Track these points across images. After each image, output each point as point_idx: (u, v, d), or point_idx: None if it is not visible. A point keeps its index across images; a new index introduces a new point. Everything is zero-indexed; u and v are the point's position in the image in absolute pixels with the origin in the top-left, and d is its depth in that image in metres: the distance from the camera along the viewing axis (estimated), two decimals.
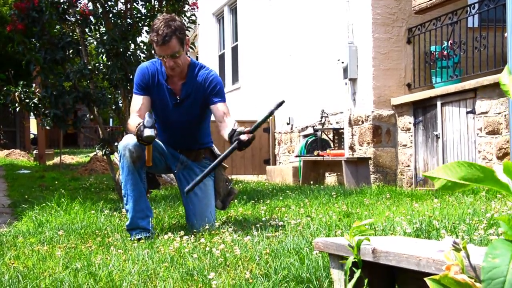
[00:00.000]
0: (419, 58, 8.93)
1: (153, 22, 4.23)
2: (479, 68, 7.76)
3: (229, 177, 4.78)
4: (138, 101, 4.31)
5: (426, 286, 1.76)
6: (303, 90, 11.54)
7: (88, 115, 7.59)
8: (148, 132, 3.92)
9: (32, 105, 6.86)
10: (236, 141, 3.97)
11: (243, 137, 3.96)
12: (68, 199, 5.86)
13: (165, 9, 6.96)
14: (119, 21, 6.88)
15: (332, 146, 10.19)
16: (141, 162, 4.16)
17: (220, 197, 4.56)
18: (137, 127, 4.01)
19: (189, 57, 4.39)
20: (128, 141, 4.13)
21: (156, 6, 7.06)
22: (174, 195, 7.14)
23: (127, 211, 4.19)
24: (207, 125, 4.54)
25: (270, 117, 4.03)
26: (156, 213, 5.20)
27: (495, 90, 7.05)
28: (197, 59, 18.54)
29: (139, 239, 3.98)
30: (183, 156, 4.47)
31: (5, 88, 6.99)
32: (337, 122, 10.23)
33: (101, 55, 6.84)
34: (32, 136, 28.78)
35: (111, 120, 30.01)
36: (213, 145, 4.65)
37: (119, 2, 7.00)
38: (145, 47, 7.06)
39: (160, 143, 4.39)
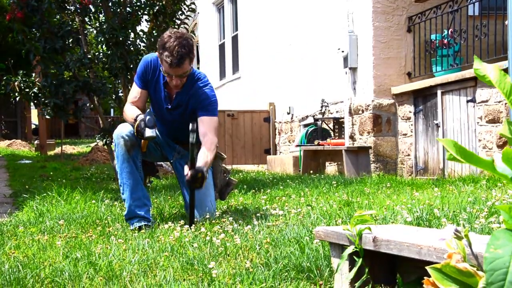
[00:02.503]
0: (420, 46, 8.90)
1: (161, 38, 4.06)
2: (480, 56, 7.73)
3: (227, 168, 4.75)
4: (136, 93, 4.29)
5: (428, 274, 1.75)
6: (303, 80, 11.51)
7: (88, 105, 7.58)
8: (149, 132, 3.94)
9: (32, 94, 6.84)
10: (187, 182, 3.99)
11: (187, 177, 3.95)
12: (69, 189, 5.85)
13: None
14: (118, 9, 6.84)
15: (332, 135, 10.17)
16: (136, 150, 4.15)
17: (217, 189, 4.55)
18: (135, 120, 4.00)
19: None
20: (123, 129, 4.12)
21: None
22: (174, 184, 7.13)
23: (124, 200, 4.17)
24: None
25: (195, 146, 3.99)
26: (156, 203, 5.20)
27: None
28: (197, 49, 18.52)
29: (139, 228, 3.97)
30: (179, 146, 4.46)
31: (5, 78, 6.98)
32: (337, 112, 10.21)
33: (101, 44, 6.82)
34: (33, 126, 28.78)
35: (112, 110, 30.00)
36: None
37: None
38: (144, 36, 7.04)
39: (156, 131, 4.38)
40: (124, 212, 4.19)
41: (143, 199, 4.16)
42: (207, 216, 4.16)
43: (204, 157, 4.04)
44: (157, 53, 4.15)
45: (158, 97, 4.28)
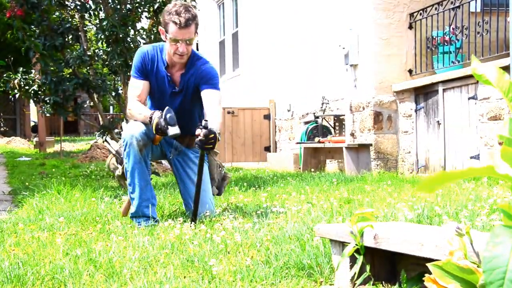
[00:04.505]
0: (421, 43, 8.88)
1: (167, 7, 4.13)
2: (482, 54, 7.71)
3: (222, 163, 4.73)
4: (137, 86, 4.27)
5: (428, 271, 1.74)
6: (303, 77, 11.50)
7: (88, 102, 7.56)
8: (173, 130, 3.95)
9: (32, 92, 6.84)
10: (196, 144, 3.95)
11: (198, 138, 3.89)
12: (69, 187, 5.84)
13: None
14: (118, 6, 6.83)
15: (333, 132, 10.16)
16: (147, 150, 4.16)
17: (216, 183, 4.54)
18: (151, 119, 4.00)
19: None
20: (135, 129, 4.10)
21: None
22: (174, 182, 7.12)
23: (132, 199, 4.16)
24: (201, 112, 4.48)
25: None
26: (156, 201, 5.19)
27: None
28: (197, 46, 18.49)
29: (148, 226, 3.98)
30: (177, 142, 4.44)
31: (4, 75, 6.97)
32: (338, 109, 10.20)
33: (101, 41, 6.81)
34: (32, 123, 28.78)
35: (111, 107, 29.99)
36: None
37: None
38: (144, 33, 7.02)
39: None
40: (131, 210, 4.18)
41: (151, 199, 4.19)
42: (207, 214, 4.15)
43: (215, 120, 4.03)
44: (160, 28, 4.18)
45: (161, 85, 4.27)
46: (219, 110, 4.20)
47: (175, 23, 4.01)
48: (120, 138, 7.02)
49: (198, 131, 3.88)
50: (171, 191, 5.96)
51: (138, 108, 4.18)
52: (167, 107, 4.03)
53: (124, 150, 4.16)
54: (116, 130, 7.09)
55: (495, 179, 5.58)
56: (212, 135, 3.85)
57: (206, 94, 4.21)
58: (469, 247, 1.75)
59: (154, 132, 4.03)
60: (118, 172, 4.52)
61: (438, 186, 1.47)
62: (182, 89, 4.28)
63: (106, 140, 4.99)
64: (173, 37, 4.05)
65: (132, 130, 4.12)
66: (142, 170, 4.13)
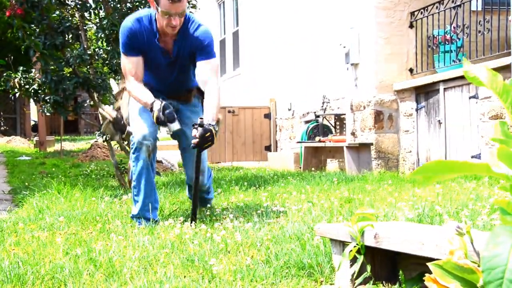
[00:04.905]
0: (422, 42, 8.87)
1: None
2: (483, 53, 7.70)
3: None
4: (131, 63, 4.10)
5: (429, 271, 1.74)
6: (304, 76, 11.49)
7: (88, 101, 7.54)
8: (174, 127, 3.92)
9: (32, 91, 6.82)
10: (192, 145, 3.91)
11: (194, 140, 3.86)
12: (69, 186, 5.84)
13: None
14: (118, 5, 6.82)
15: (333, 132, 10.15)
16: (154, 152, 4.12)
17: None
18: (151, 108, 3.92)
19: None
20: (144, 130, 4.04)
21: None
22: (174, 181, 7.12)
23: (135, 201, 4.14)
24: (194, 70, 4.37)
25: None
26: None
27: (498, 74, 6.99)
28: None
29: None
30: (174, 101, 4.30)
31: (5, 74, 6.95)
32: (338, 108, 10.19)
33: (101, 40, 6.79)
34: (32, 122, 28.78)
35: (111, 106, 30.01)
36: None
37: None
38: None
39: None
40: (132, 211, 4.17)
41: (154, 203, 4.17)
42: (205, 182, 4.23)
43: (211, 109, 3.95)
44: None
45: (154, 56, 4.13)
46: (217, 86, 4.06)
47: None
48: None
49: (194, 132, 3.85)
50: (171, 191, 5.96)
51: (138, 91, 4.06)
52: (164, 103, 3.93)
53: (133, 152, 4.10)
54: (122, 122, 7.08)
55: (496, 179, 5.58)
56: (208, 133, 3.82)
57: (201, 69, 4.08)
58: (469, 247, 1.74)
59: (155, 122, 3.97)
60: (117, 138, 4.46)
61: (434, 176, 1.46)
62: (177, 56, 4.15)
63: (100, 107, 4.88)
64: (166, 11, 3.88)
65: (142, 133, 4.04)
66: (148, 175, 4.10)
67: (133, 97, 4.14)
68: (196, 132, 3.83)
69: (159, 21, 3.99)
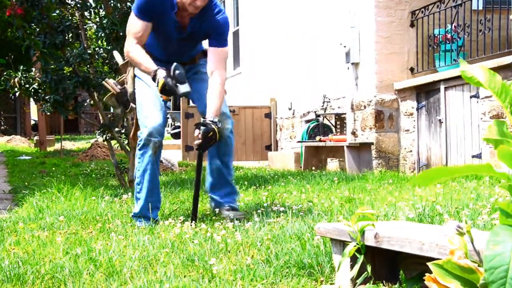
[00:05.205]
0: (423, 41, 8.86)
1: None
2: (484, 52, 7.69)
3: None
4: (139, 27, 3.96)
5: (429, 271, 1.73)
6: (304, 75, 11.48)
7: (88, 101, 7.53)
8: (184, 88, 3.79)
9: (32, 90, 6.82)
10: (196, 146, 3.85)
11: (196, 141, 3.82)
12: (69, 185, 5.83)
13: None
14: (118, 4, 6.81)
15: (334, 131, 10.15)
16: (160, 150, 4.08)
17: None
18: (154, 76, 3.79)
19: None
20: (152, 128, 3.96)
21: None
22: (174, 181, 7.12)
23: (137, 199, 4.12)
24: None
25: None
26: None
27: (499, 73, 6.91)
28: None
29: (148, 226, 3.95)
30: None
31: (5, 73, 6.95)
32: (339, 107, 10.18)
33: (101, 39, 6.78)
34: (32, 122, 28.76)
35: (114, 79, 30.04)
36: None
37: None
38: None
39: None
40: (134, 209, 4.15)
41: (156, 202, 4.13)
42: (229, 126, 4.08)
43: (214, 103, 3.88)
44: None
45: (166, 28, 4.00)
46: (222, 77, 3.97)
47: None
48: (120, 137, 7.02)
49: (196, 132, 3.81)
50: (171, 190, 5.96)
51: (139, 56, 3.95)
52: (175, 64, 3.81)
53: (139, 149, 4.05)
54: (116, 129, 7.07)
55: (497, 178, 5.57)
56: (211, 133, 3.76)
57: (213, 54, 4.00)
58: (470, 246, 1.74)
59: (159, 92, 3.84)
60: (119, 110, 4.42)
61: (435, 180, 1.46)
62: (190, 34, 4.05)
63: (105, 80, 4.79)
64: None
65: (150, 129, 3.96)
66: (153, 172, 4.05)
67: (131, 57, 4.00)
68: (198, 133, 3.79)
69: None
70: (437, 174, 1.45)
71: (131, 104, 4.26)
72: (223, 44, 4.05)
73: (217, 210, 4.17)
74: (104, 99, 4.65)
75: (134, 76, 4.24)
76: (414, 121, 8.73)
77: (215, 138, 3.81)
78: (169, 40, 4.08)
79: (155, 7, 3.93)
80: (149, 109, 4.05)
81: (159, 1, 3.92)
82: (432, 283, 1.72)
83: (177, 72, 3.78)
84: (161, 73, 3.79)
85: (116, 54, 4.60)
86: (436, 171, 1.44)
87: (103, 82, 4.89)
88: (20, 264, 2.83)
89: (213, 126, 3.79)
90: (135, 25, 3.98)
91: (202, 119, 3.84)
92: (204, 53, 4.23)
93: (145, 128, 4.01)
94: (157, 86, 3.81)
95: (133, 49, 3.97)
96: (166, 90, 3.79)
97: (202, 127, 3.78)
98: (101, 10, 6.96)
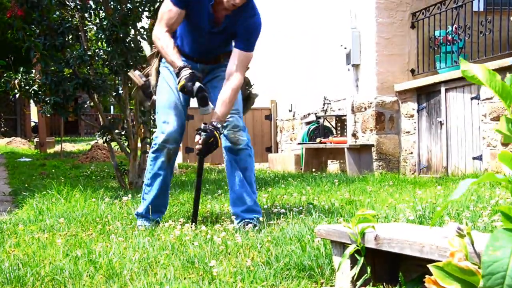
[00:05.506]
0: (423, 43, 8.85)
1: None
2: (484, 53, 7.69)
3: (250, 80, 4.43)
4: (172, 13, 3.85)
5: (430, 273, 1.73)
6: (305, 77, 11.48)
7: (88, 102, 7.53)
8: (205, 111, 3.73)
9: (32, 92, 6.81)
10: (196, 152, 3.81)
11: (197, 146, 3.76)
12: (69, 187, 5.83)
13: None
14: (119, 6, 6.81)
15: (334, 133, 10.14)
16: (175, 157, 4.03)
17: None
18: (179, 73, 3.70)
19: None
20: (168, 134, 3.91)
21: None
22: (174, 182, 7.11)
23: (143, 199, 4.10)
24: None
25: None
26: None
27: (500, 74, 6.94)
28: None
29: (147, 226, 3.93)
30: (201, 64, 4.10)
31: (5, 75, 6.95)
32: (339, 109, 10.18)
33: (101, 41, 6.78)
34: (33, 124, 28.78)
35: (112, 107, 30.00)
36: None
37: None
38: (145, 33, 7.00)
39: (171, 72, 4.02)
40: (139, 208, 4.13)
41: (160, 207, 4.10)
42: (244, 138, 3.96)
43: (222, 108, 3.78)
44: None
45: (199, 21, 3.88)
46: (239, 82, 3.85)
47: None
48: (120, 139, 7.02)
49: (197, 138, 3.75)
50: (171, 192, 5.95)
51: (168, 47, 3.83)
52: (198, 85, 3.69)
53: (153, 152, 4.00)
54: (116, 131, 7.06)
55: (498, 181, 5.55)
56: (212, 139, 3.70)
57: (237, 56, 3.88)
58: (470, 248, 1.73)
59: (178, 89, 3.77)
60: (147, 104, 4.36)
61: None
62: (223, 30, 3.95)
63: (130, 71, 4.71)
64: None
65: (165, 133, 3.91)
66: (164, 177, 4.01)
67: (159, 45, 3.89)
68: (199, 138, 3.75)
69: None
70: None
71: (153, 97, 4.20)
72: (250, 48, 3.94)
73: (238, 225, 3.88)
74: (131, 93, 4.59)
75: (159, 68, 4.18)
76: (415, 122, 8.72)
77: (216, 144, 3.74)
78: (200, 33, 3.97)
79: None
80: (167, 114, 3.98)
81: None
82: (432, 285, 1.71)
83: (199, 94, 3.72)
84: (185, 73, 3.72)
85: (144, 44, 4.53)
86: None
87: (128, 73, 4.84)
88: (20, 266, 2.83)
89: (215, 132, 3.72)
90: (168, 12, 3.87)
91: (203, 125, 3.79)
92: (230, 54, 4.08)
93: (162, 134, 3.95)
94: (178, 82, 3.75)
95: (163, 37, 3.87)
96: (184, 92, 3.76)
97: (203, 133, 3.74)
98: (101, 12, 6.96)
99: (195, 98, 3.79)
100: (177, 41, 4.03)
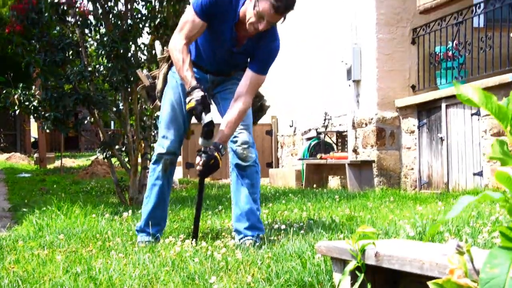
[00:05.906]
0: (424, 59, 8.88)
1: None
2: (485, 69, 7.70)
3: (261, 93, 4.38)
4: (193, 24, 3.73)
5: None
6: (306, 92, 11.50)
7: (88, 118, 7.53)
8: (205, 143, 3.70)
9: (32, 108, 6.81)
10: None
11: (198, 167, 3.73)
12: (69, 203, 5.82)
13: (165, 10, 6.91)
14: (119, 22, 6.83)
15: (335, 149, 10.14)
16: (173, 167, 4.04)
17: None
18: (189, 93, 3.62)
19: None
20: (167, 145, 3.92)
21: (157, 7, 7.01)
22: (175, 198, 7.10)
23: (143, 212, 4.10)
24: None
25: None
26: None
27: (500, 91, 6.98)
28: None
29: (147, 242, 3.91)
30: (211, 76, 4.02)
31: (4, 91, 6.95)
32: (340, 125, 10.18)
33: (101, 56, 6.79)
34: (32, 139, 28.78)
35: (112, 123, 30.03)
36: None
37: (119, 2, 6.95)
38: (145, 49, 7.02)
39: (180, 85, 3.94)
40: (138, 224, 4.14)
41: (159, 219, 4.08)
42: (252, 155, 3.96)
43: (226, 129, 3.72)
44: None
45: (221, 37, 3.80)
46: (246, 105, 3.77)
47: (273, 5, 3.58)
48: (121, 155, 7.01)
49: (197, 159, 3.72)
50: (172, 208, 5.93)
51: (184, 62, 3.70)
52: (208, 119, 3.63)
53: (152, 163, 4.03)
54: (117, 147, 7.06)
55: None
56: (213, 160, 3.64)
57: (249, 78, 3.81)
58: (469, 265, 1.72)
59: (186, 109, 3.70)
60: (148, 104, 4.37)
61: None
62: (242, 51, 3.87)
63: (138, 70, 4.70)
64: (262, 14, 3.61)
65: (164, 144, 3.93)
66: (160, 187, 4.01)
67: (175, 57, 3.76)
68: (199, 160, 3.70)
69: (247, 13, 3.66)
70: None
71: (157, 101, 4.20)
72: (264, 72, 3.89)
73: (239, 242, 3.85)
74: (137, 89, 4.58)
75: (167, 74, 4.16)
76: (416, 138, 8.72)
77: (217, 165, 3.70)
78: (220, 49, 3.89)
79: (218, 10, 3.71)
80: (168, 130, 3.97)
81: (225, 5, 3.72)
82: None
83: (206, 128, 3.68)
84: (197, 95, 3.63)
85: (157, 44, 4.49)
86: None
87: (136, 71, 4.86)
88: (20, 283, 2.81)
89: (215, 154, 3.66)
90: (189, 22, 3.74)
91: (204, 148, 3.75)
92: (243, 69, 4.01)
93: (161, 148, 3.97)
94: (187, 103, 3.68)
95: (181, 50, 3.74)
96: (191, 114, 3.72)
97: (203, 155, 3.69)
98: (101, 28, 6.98)
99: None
100: (194, 49, 3.95)
